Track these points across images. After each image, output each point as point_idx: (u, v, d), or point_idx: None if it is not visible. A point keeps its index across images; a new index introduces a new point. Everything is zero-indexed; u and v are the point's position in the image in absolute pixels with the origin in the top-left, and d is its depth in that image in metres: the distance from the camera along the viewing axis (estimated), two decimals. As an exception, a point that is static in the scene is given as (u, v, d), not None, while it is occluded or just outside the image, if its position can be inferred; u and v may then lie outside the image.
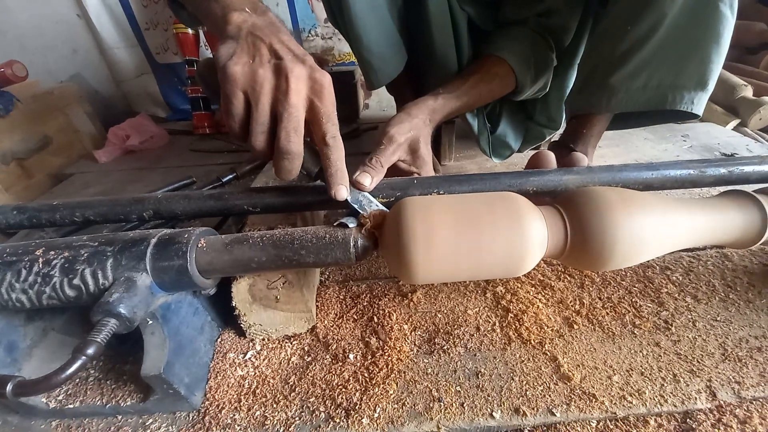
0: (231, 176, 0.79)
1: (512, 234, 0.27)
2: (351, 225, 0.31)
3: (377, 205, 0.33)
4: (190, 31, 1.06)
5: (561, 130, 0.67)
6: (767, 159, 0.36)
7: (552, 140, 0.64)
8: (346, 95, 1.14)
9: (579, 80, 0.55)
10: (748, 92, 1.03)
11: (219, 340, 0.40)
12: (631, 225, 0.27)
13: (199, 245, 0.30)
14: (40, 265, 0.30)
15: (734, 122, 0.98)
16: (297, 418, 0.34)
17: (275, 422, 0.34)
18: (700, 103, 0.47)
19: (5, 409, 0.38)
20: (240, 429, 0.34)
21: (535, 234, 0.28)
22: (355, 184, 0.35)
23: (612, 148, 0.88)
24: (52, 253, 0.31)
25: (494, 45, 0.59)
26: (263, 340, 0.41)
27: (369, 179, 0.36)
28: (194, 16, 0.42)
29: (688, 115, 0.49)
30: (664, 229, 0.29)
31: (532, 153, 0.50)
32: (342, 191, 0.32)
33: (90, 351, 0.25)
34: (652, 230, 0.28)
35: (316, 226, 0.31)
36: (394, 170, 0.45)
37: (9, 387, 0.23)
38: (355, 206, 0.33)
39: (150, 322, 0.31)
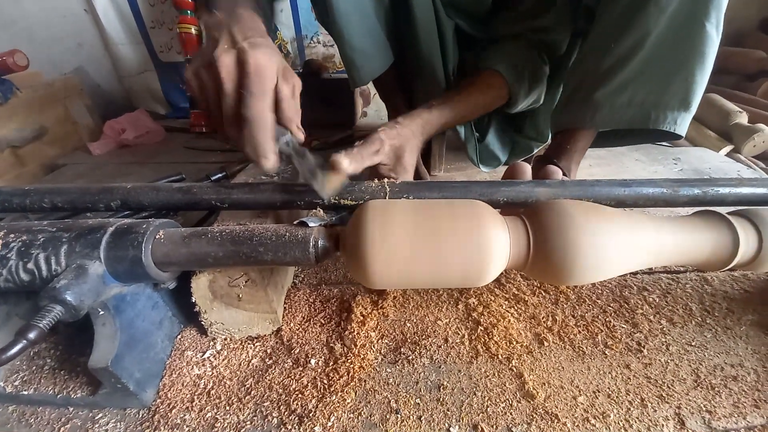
0: (220, 175, 0.79)
1: (472, 242, 0.27)
2: (312, 224, 0.30)
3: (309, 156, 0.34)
4: (193, 31, 1.07)
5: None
6: (744, 181, 0.36)
7: (536, 155, 0.64)
8: (344, 102, 1.15)
9: (564, 95, 0.55)
10: (743, 119, 1.04)
11: (179, 336, 0.39)
12: (593, 240, 0.27)
13: (157, 237, 0.30)
14: (-2, 248, 0.30)
15: (727, 148, 0.98)
16: (248, 423, 0.33)
17: (225, 425, 0.33)
18: (683, 124, 0.47)
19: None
20: (188, 429, 0.32)
21: (495, 243, 0.27)
22: (332, 163, 0.35)
23: (603, 168, 0.87)
24: (12, 236, 0.31)
25: (488, 60, 0.60)
26: (225, 339, 0.40)
27: (346, 162, 0.36)
28: None
29: (671, 136, 0.48)
30: (629, 246, 0.28)
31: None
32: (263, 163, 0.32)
33: (31, 335, 0.24)
34: (615, 247, 0.27)
35: (278, 225, 0.31)
36: (373, 172, 0.45)
37: None
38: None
39: (101, 312, 0.30)
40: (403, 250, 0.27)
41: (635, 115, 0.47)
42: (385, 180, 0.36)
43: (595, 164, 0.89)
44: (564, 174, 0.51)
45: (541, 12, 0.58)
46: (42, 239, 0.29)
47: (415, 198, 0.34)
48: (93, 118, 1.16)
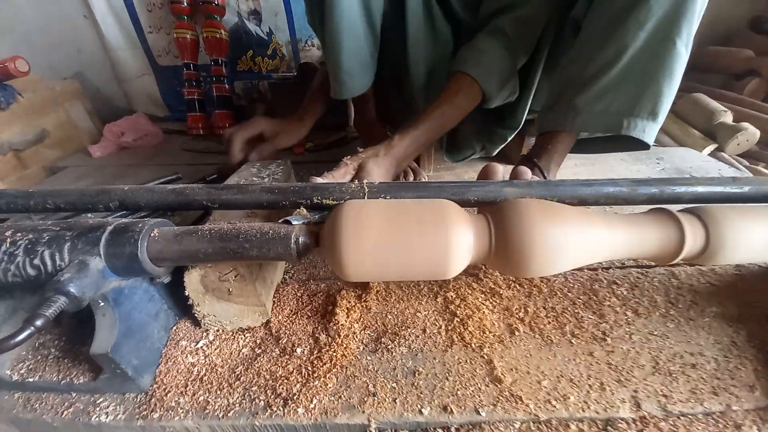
0: (215, 176, 0.82)
1: (436, 238, 0.29)
2: (295, 223, 0.33)
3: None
4: (189, 36, 1.10)
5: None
6: (700, 180, 0.38)
7: (522, 155, 0.67)
8: (337, 105, 1.18)
9: (550, 99, 0.58)
10: (727, 118, 1.06)
11: (174, 328, 0.42)
12: (548, 236, 0.30)
13: (152, 235, 0.32)
14: (8, 245, 0.33)
15: (711, 147, 1.01)
16: (237, 405, 0.36)
17: (216, 407, 0.35)
18: (651, 133, 0.50)
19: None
20: (182, 411, 0.35)
21: (458, 239, 0.30)
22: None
23: (588, 167, 0.90)
24: (19, 235, 0.34)
25: (458, 60, 0.62)
26: (217, 331, 0.43)
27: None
28: None
29: (640, 145, 0.52)
30: (582, 241, 0.31)
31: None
32: None
33: (38, 323, 0.27)
34: (569, 242, 0.30)
35: (263, 223, 0.33)
36: None
37: None
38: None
39: (102, 303, 0.33)
40: (374, 246, 0.29)
41: (610, 121, 0.50)
42: (365, 181, 0.38)
43: (581, 164, 0.91)
44: (542, 173, 0.54)
45: None
46: (47, 237, 0.32)
47: (392, 197, 0.37)
48: (93, 121, 1.19)
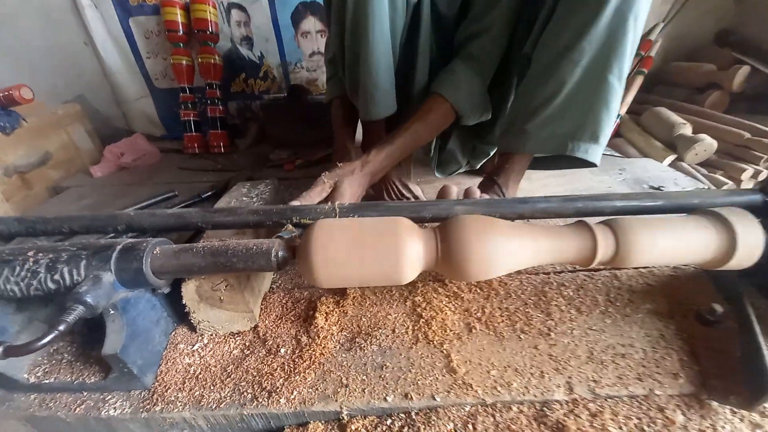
0: (210, 193, 0.88)
1: (390, 250, 0.36)
2: (285, 237, 0.40)
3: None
4: (184, 62, 1.18)
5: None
6: (619, 196, 0.45)
7: (485, 173, 0.74)
8: (326, 122, 1.25)
9: (505, 124, 0.65)
10: (686, 130, 1.15)
11: (173, 333, 0.48)
12: (482, 246, 0.36)
13: (154, 252, 0.38)
14: (31, 264, 0.38)
15: (671, 157, 1.08)
16: (228, 398, 0.41)
17: (210, 400, 0.41)
18: (594, 154, 0.57)
19: (-9, 385, 0.46)
20: (181, 405, 0.41)
21: (408, 251, 0.36)
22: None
23: (557, 178, 0.97)
24: (41, 254, 0.39)
25: (434, 82, 0.68)
26: (211, 335, 0.48)
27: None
28: None
29: (586, 163, 0.59)
30: (511, 250, 0.37)
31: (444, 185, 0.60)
32: None
33: (61, 327, 0.33)
34: (500, 251, 0.37)
35: (248, 240, 0.40)
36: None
37: (0, 348, 0.31)
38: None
39: (112, 311, 0.39)
40: (339, 257, 0.36)
41: (556, 144, 0.57)
42: (337, 203, 0.45)
43: (551, 176, 0.98)
44: (501, 189, 0.61)
45: (483, 16, 0.64)
46: (66, 256, 0.38)
47: (360, 216, 0.44)
48: (93, 142, 1.25)
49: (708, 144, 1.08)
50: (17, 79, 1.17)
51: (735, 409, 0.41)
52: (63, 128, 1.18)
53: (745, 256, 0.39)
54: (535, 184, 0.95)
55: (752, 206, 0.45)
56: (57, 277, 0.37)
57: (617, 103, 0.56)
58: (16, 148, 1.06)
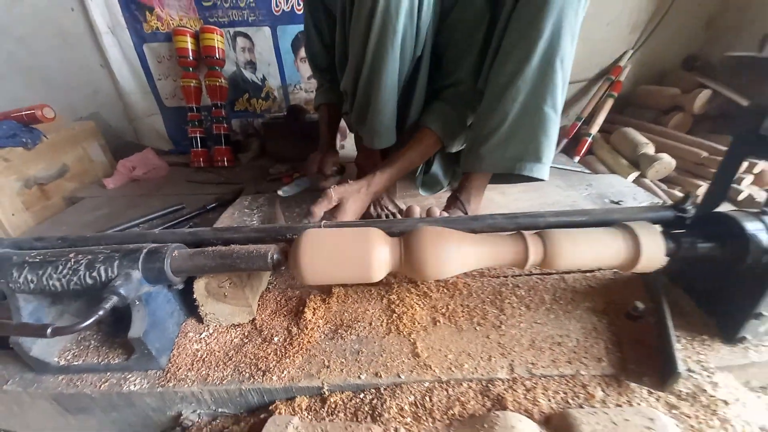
0: (214, 204, 0.98)
1: (361, 254, 0.45)
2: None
3: None
4: (193, 84, 1.29)
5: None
6: (552, 213, 0.55)
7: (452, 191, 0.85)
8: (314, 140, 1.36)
9: (465, 148, 0.76)
10: (649, 149, 1.26)
11: (184, 323, 0.57)
12: (434, 251, 0.45)
13: (173, 255, 0.48)
14: (72, 263, 0.48)
15: (635, 174, 1.19)
16: (229, 376, 0.50)
17: (214, 378, 0.50)
18: (540, 171, 0.67)
19: (24, 368, 0.54)
20: (190, 381, 0.50)
21: (376, 254, 0.45)
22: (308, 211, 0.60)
23: (528, 193, 1.07)
24: (80, 255, 0.49)
25: (423, 118, 0.81)
26: (216, 326, 0.57)
27: (315, 209, 0.60)
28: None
29: (535, 179, 0.69)
30: (459, 255, 0.46)
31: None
32: None
33: (100, 312, 0.42)
34: (450, 256, 0.46)
35: (249, 245, 0.49)
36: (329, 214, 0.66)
37: (49, 330, 0.40)
38: None
39: (137, 303, 0.48)
40: (321, 260, 0.45)
41: (506, 164, 0.67)
42: (322, 222, 0.55)
43: (522, 190, 1.08)
44: (463, 205, 0.71)
45: (455, 70, 0.77)
46: (102, 257, 0.47)
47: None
48: (106, 156, 1.35)
49: (667, 162, 1.18)
50: (35, 95, 1.28)
51: (651, 390, 0.49)
52: (79, 143, 1.28)
53: (649, 260, 0.49)
54: (508, 197, 1.05)
55: (665, 220, 0.55)
56: (94, 274, 0.47)
57: (555, 128, 0.67)
58: (36, 161, 1.16)
